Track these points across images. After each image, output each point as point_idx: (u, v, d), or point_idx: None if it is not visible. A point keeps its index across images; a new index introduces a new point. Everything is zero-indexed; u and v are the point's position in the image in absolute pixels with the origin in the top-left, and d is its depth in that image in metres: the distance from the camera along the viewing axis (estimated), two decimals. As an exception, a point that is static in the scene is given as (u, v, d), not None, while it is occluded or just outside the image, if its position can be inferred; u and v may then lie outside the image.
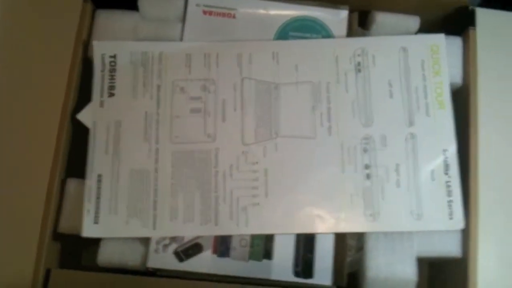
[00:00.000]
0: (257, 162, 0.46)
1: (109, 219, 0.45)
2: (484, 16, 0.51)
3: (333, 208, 0.45)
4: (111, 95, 0.47)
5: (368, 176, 0.46)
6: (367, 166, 0.46)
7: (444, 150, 0.46)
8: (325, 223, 0.45)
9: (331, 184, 0.46)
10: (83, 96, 0.48)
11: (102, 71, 0.47)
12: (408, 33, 0.50)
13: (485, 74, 0.49)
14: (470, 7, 0.50)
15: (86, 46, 0.49)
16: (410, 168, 0.46)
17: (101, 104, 0.47)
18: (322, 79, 0.47)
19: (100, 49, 0.48)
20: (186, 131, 0.47)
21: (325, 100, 0.47)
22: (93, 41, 0.48)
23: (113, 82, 0.47)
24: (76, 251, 0.51)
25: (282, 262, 0.44)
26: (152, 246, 0.44)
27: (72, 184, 0.47)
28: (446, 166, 0.46)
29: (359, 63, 0.48)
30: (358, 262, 0.46)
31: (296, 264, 0.45)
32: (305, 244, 0.45)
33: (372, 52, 0.48)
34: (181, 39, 0.49)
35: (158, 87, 0.47)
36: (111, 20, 0.50)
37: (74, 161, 0.48)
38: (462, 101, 0.48)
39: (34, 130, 0.54)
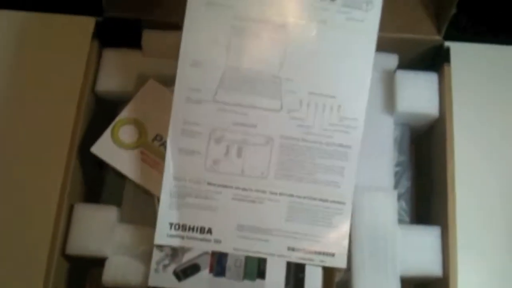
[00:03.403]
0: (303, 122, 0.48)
1: None
2: (458, 50, 0.55)
3: None
4: None
5: None
6: None
7: None
8: None
9: None
10: (93, 131, 0.52)
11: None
12: (388, 70, 0.54)
13: (460, 106, 0.53)
14: (445, 45, 0.54)
15: (94, 83, 0.54)
16: None
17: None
18: None
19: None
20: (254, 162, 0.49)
21: None
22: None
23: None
24: (82, 273, 0.54)
25: (274, 281, 0.47)
26: (153, 266, 0.48)
27: (79, 209, 0.50)
28: None
29: None
30: (346, 282, 0.49)
31: (287, 282, 0.48)
32: (296, 264, 0.48)
33: None
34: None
35: None
36: (117, 58, 0.54)
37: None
38: (439, 131, 0.52)
39: (43, 164, 0.58)
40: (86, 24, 0.55)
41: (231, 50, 0.48)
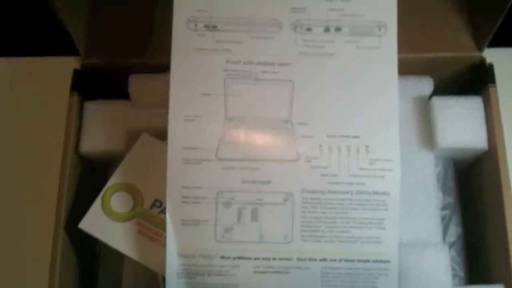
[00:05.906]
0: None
1: None
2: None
3: None
4: None
5: None
6: None
7: None
8: None
9: None
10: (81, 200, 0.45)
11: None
12: (421, 97, 0.46)
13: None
14: (488, 63, 0.46)
15: (77, 141, 0.46)
16: None
17: None
18: None
19: None
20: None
21: None
22: None
23: None
24: None
25: None
26: None
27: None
28: None
29: None
30: None
31: None
32: None
33: None
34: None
35: None
36: (102, 112, 0.46)
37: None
38: (490, 168, 0.44)
39: (28, 246, 0.51)
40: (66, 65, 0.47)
41: (229, 99, 0.41)
